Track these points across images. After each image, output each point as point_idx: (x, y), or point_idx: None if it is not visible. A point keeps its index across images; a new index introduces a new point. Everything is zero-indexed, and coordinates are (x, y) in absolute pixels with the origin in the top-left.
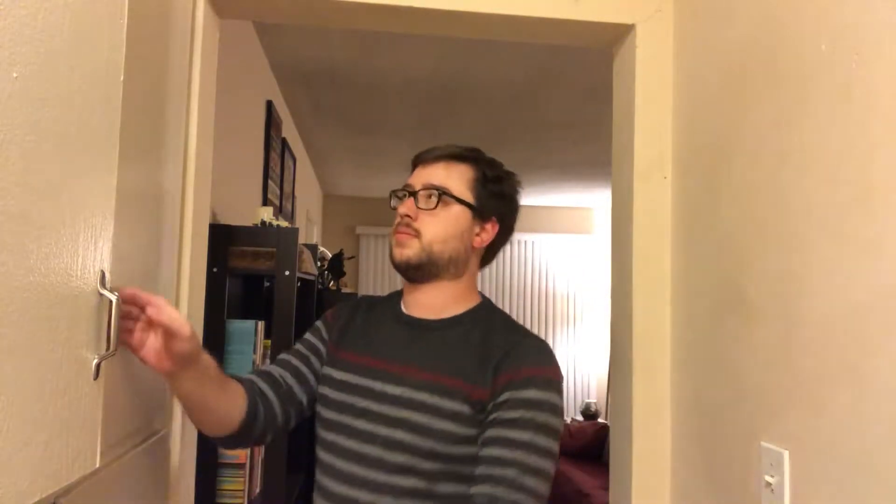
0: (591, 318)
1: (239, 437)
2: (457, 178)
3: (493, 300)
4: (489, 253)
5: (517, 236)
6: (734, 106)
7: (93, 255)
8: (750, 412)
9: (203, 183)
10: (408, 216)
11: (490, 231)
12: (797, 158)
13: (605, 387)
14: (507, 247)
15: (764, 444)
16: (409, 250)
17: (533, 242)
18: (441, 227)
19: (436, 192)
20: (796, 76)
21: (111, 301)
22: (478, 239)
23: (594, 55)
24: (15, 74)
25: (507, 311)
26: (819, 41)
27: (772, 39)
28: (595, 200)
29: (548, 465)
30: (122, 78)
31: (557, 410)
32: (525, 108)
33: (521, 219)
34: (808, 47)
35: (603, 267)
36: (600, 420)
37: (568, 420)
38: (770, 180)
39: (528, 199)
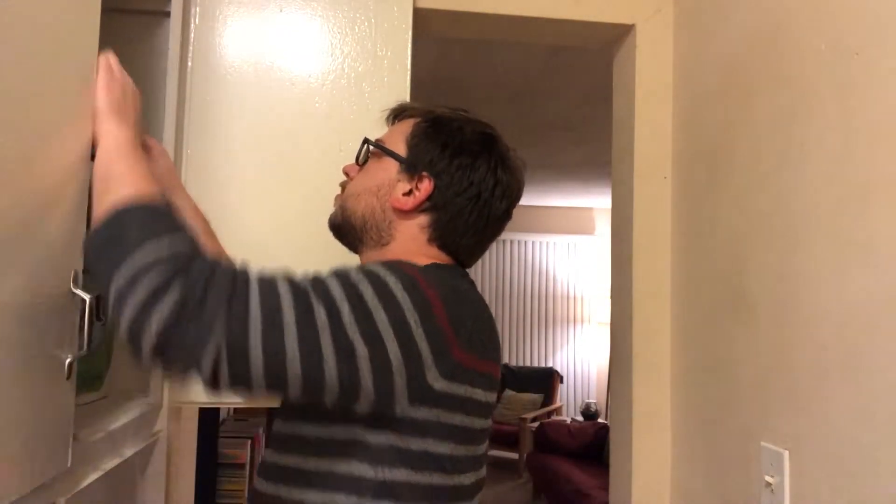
0: (592, 318)
1: None
2: (396, 131)
3: (494, 301)
4: (448, 229)
5: (517, 236)
6: (734, 106)
7: (66, 255)
8: (749, 412)
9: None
10: (346, 173)
11: (422, 190)
12: (797, 158)
13: (605, 387)
14: (507, 247)
15: (764, 444)
16: (332, 211)
17: (533, 243)
18: (359, 181)
19: (366, 146)
20: (796, 76)
21: (84, 300)
22: (402, 199)
23: (594, 55)
24: None
25: (507, 311)
26: (819, 41)
27: (771, 39)
28: (595, 200)
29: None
30: (94, 79)
31: (380, 274)
32: (525, 108)
33: (522, 219)
34: (808, 47)
35: (603, 267)
36: (600, 420)
37: (568, 420)
38: (770, 180)
39: (528, 199)
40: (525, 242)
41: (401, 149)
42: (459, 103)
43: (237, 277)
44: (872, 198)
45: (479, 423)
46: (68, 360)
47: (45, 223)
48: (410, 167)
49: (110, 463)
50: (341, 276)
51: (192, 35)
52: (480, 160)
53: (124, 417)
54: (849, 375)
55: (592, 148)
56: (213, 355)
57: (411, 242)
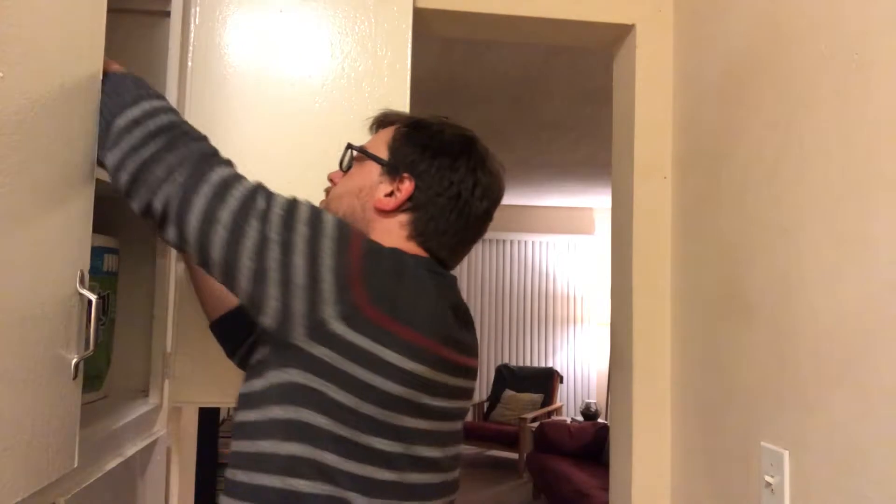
0: (592, 318)
1: (226, 324)
2: (379, 137)
3: (494, 301)
4: (429, 228)
5: (517, 236)
6: (734, 106)
7: (72, 255)
8: (749, 412)
9: None
10: (331, 180)
11: (403, 191)
12: (796, 158)
13: (605, 387)
14: (507, 247)
15: (764, 444)
16: None
17: (533, 243)
18: (342, 184)
19: (349, 151)
20: (796, 76)
21: (90, 301)
22: (384, 200)
23: (594, 55)
24: (1, 74)
25: (507, 311)
26: (819, 41)
27: (771, 39)
28: (595, 200)
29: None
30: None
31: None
32: (525, 108)
33: (522, 219)
34: (808, 47)
35: (603, 267)
36: (600, 420)
37: (568, 420)
38: (769, 180)
39: (528, 198)
40: (525, 242)
41: (383, 153)
42: (459, 103)
43: (219, 154)
44: (872, 198)
45: (395, 388)
46: (74, 361)
47: (52, 223)
48: (392, 169)
49: (110, 463)
50: (293, 197)
51: (192, 35)
52: (460, 161)
53: (124, 417)
54: (848, 375)
55: (592, 148)
56: (166, 196)
57: (386, 236)
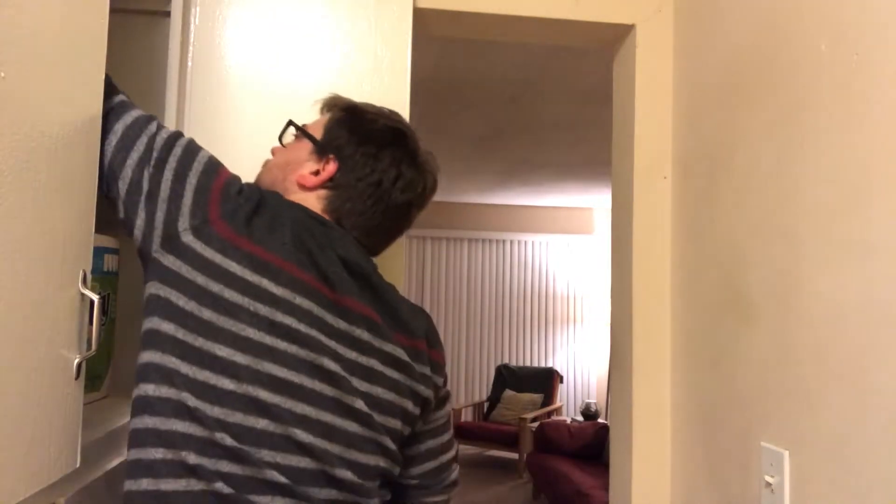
0: (592, 318)
1: None
2: (320, 120)
3: (494, 301)
4: (345, 208)
5: (517, 236)
6: (734, 106)
7: (74, 255)
8: (750, 412)
9: None
10: (272, 153)
11: (326, 171)
12: (796, 158)
13: (605, 387)
14: (507, 247)
15: (764, 444)
16: None
17: (533, 242)
18: (277, 157)
19: (289, 128)
20: (796, 76)
21: (92, 301)
22: (307, 177)
23: (594, 55)
24: (2, 74)
25: (507, 311)
26: (819, 41)
27: (771, 39)
28: (595, 200)
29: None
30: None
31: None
32: (525, 108)
33: (522, 219)
34: (808, 47)
35: (603, 267)
36: (600, 420)
37: (568, 420)
38: (769, 180)
39: (529, 198)
40: (525, 242)
41: (318, 134)
42: (459, 103)
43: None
44: (872, 198)
45: (232, 295)
46: (77, 361)
47: (54, 224)
48: (321, 149)
49: (111, 462)
50: (182, 132)
51: (192, 35)
52: (385, 151)
53: (124, 417)
54: (849, 375)
55: (592, 148)
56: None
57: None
